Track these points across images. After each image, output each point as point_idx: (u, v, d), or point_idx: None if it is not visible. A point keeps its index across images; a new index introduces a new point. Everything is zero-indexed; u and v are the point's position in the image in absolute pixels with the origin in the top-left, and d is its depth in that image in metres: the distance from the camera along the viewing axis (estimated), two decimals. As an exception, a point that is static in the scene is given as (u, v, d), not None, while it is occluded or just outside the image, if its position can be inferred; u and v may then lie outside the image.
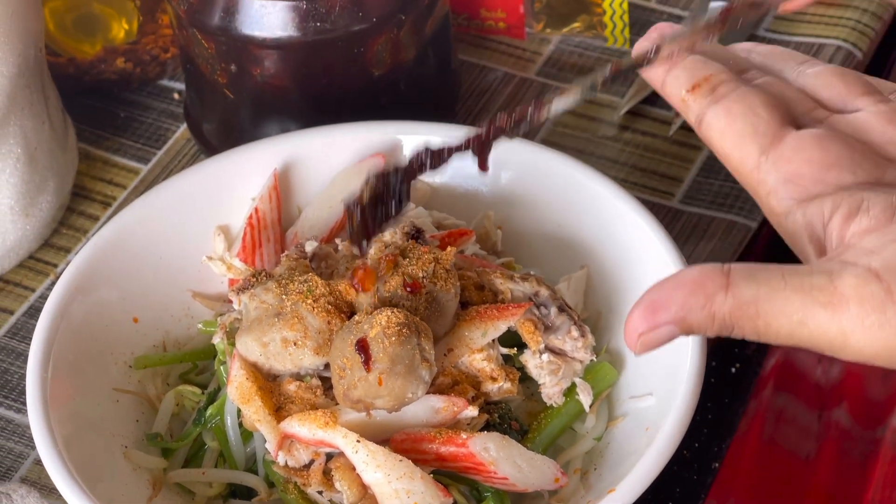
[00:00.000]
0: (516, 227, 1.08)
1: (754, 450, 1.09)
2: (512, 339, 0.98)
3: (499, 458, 0.92)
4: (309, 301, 0.95)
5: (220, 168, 1.08)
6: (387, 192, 0.87)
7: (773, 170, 0.81)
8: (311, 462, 0.94)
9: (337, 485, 0.92)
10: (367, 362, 0.90)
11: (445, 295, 0.96)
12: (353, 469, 0.92)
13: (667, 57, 0.87)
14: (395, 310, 0.92)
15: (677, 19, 1.32)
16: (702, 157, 1.21)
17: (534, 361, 0.98)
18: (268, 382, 0.95)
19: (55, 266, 1.05)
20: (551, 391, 0.98)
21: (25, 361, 1.06)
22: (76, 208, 1.20)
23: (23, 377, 1.07)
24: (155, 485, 0.97)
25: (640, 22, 1.32)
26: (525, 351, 0.98)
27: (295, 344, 0.94)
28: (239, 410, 0.96)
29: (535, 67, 1.30)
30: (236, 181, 1.08)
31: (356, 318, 0.93)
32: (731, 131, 0.83)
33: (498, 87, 1.28)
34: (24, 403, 1.05)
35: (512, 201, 1.09)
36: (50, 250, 1.17)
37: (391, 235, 1.01)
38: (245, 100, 1.14)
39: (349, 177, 1.08)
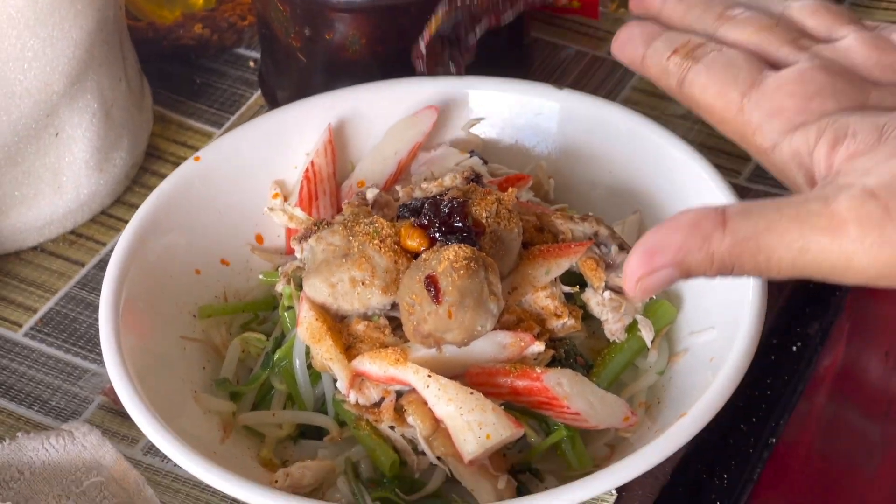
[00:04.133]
0: (567, 177, 1.10)
1: (813, 428, 1.10)
2: (573, 279, 1.00)
3: (572, 393, 0.93)
4: (376, 241, 0.96)
5: (277, 123, 1.10)
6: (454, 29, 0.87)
7: (755, 108, 0.81)
8: (382, 400, 0.95)
9: (409, 419, 0.93)
10: (436, 296, 0.91)
11: (508, 234, 0.97)
12: (425, 404, 0.93)
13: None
14: (462, 245, 0.93)
15: None
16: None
17: (596, 299, 0.99)
18: (336, 323, 0.96)
19: (126, 223, 1.06)
20: (614, 327, 0.99)
21: (94, 311, 1.09)
22: (149, 168, 1.23)
23: (90, 326, 1.10)
24: (225, 428, 0.98)
25: None
26: (587, 289, 1.00)
27: (363, 283, 0.95)
28: (307, 353, 0.97)
29: (606, 46, 1.31)
30: (292, 136, 1.09)
31: (423, 255, 0.94)
32: (711, 83, 0.83)
33: (569, 65, 1.30)
34: (91, 351, 1.08)
35: (562, 151, 1.10)
36: (122, 207, 1.19)
37: (451, 179, 1.02)
38: (317, 64, 1.16)
39: (402, 130, 1.09)
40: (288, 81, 1.19)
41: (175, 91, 1.29)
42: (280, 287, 1.01)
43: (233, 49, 1.32)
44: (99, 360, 1.08)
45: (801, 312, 1.14)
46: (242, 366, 1.02)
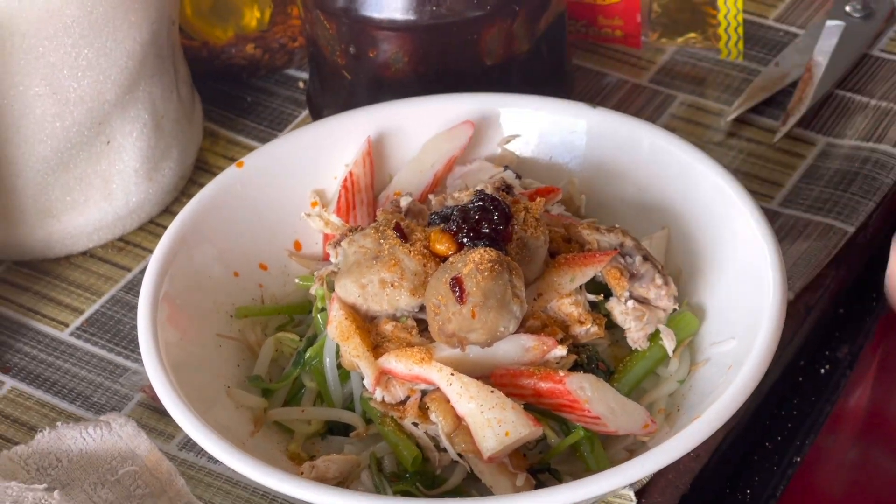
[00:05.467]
0: (598, 193, 1.13)
1: (839, 449, 1.11)
2: (598, 288, 1.02)
3: (593, 397, 0.96)
4: (406, 245, 0.99)
5: (318, 134, 1.13)
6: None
7: None
8: (407, 398, 0.98)
9: (432, 416, 0.96)
10: (461, 296, 0.94)
11: (535, 241, 1.00)
12: (448, 402, 0.96)
13: None
14: (487, 248, 0.96)
15: (792, 37, 1.37)
16: (805, 165, 1.25)
17: (619, 308, 1.02)
18: (365, 323, 0.99)
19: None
20: (636, 335, 1.01)
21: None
22: (197, 180, 1.27)
23: (133, 328, 1.14)
24: (256, 422, 1.01)
25: (754, 37, 1.37)
26: (611, 298, 1.02)
27: (392, 285, 0.98)
28: (337, 352, 1.00)
29: (648, 75, 1.35)
30: (333, 147, 1.13)
31: (450, 259, 0.97)
32: None
33: (610, 92, 1.33)
34: (133, 351, 1.12)
35: (594, 168, 1.13)
36: (169, 217, 1.23)
37: (485, 186, 1.05)
38: (361, 81, 1.20)
39: (439, 143, 1.13)
40: (333, 98, 1.23)
41: (226, 108, 1.33)
42: (314, 290, 1.04)
43: (283, 70, 1.36)
44: (140, 359, 1.11)
45: (831, 336, 1.16)
46: (275, 365, 1.05)
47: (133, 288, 1.18)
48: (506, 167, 1.12)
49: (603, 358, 1.01)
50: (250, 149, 1.29)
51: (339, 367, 1.00)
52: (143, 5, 1.14)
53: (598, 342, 1.02)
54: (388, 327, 0.99)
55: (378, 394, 0.98)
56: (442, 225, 1.00)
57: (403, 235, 1.00)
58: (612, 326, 1.03)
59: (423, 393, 0.98)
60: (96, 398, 1.10)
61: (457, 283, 0.94)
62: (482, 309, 0.94)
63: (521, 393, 0.96)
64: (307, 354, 1.02)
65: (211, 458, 1.05)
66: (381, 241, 1.00)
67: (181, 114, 1.23)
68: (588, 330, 1.00)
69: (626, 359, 1.02)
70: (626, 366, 1.01)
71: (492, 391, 0.94)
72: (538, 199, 1.03)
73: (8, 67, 1.10)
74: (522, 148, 1.15)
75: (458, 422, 0.95)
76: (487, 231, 0.98)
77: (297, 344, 1.04)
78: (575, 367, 0.99)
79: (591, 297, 1.02)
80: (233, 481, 1.03)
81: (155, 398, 1.08)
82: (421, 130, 1.14)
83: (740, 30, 1.32)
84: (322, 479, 0.96)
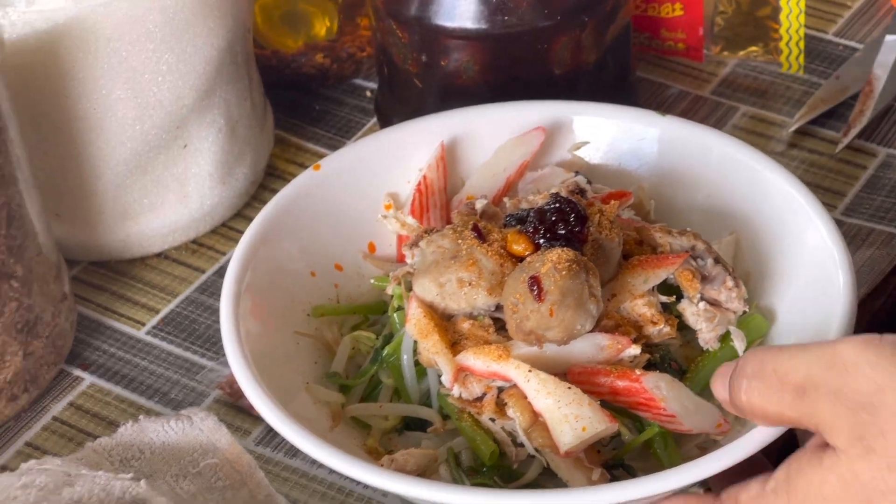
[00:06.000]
0: (667, 199, 1.15)
1: None
2: (669, 290, 1.04)
3: (669, 395, 0.97)
4: (483, 245, 1.01)
5: (392, 139, 1.16)
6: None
7: None
8: (484, 395, 1.00)
9: (510, 412, 0.98)
10: (539, 295, 0.96)
11: (609, 243, 1.02)
12: (525, 398, 0.98)
13: None
14: (564, 249, 0.98)
15: (852, 51, 1.40)
16: (867, 175, 1.27)
17: (691, 309, 1.04)
18: (443, 321, 1.01)
19: (245, 235, 1.15)
20: (707, 336, 1.03)
21: (212, 314, 1.16)
22: (268, 186, 1.29)
23: (208, 327, 1.16)
24: (334, 418, 1.03)
25: (815, 51, 1.40)
26: (682, 300, 1.04)
27: (469, 284, 1.01)
28: (414, 349, 1.02)
29: (709, 87, 1.37)
30: (406, 152, 1.15)
31: (528, 259, 0.99)
32: None
33: (672, 103, 1.36)
34: (208, 350, 1.15)
35: (663, 175, 1.15)
36: (242, 220, 1.26)
37: (559, 189, 1.07)
38: (432, 89, 1.22)
39: (511, 149, 1.15)
40: (403, 106, 1.26)
41: (295, 116, 1.36)
42: (390, 289, 1.07)
43: (351, 79, 1.39)
44: (216, 357, 1.14)
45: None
46: (352, 363, 1.07)
47: (207, 289, 1.21)
48: (577, 172, 1.14)
49: (675, 358, 1.03)
50: (319, 156, 1.32)
51: (416, 364, 1.03)
52: (221, 12, 1.17)
53: (671, 342, 1.04)
54: (465, 325, 1.01)
55: (456, 390, 1.00)
56: (518, 226, 1.02)
57: (481, 236, 1.02)
58: (683, 328, 1.04)
59: (500, 389, 1.00)
60: (174, 394, 1.12)
61: (535, 282, 0.97)
62: (560, 307, 0.96)
63: (598, 391, 0.98)
64: (385, 352, 1.04)
65: (288, 453, 1.07)
66: (460, 241, 1.02)
67: (254, 120, 1.26)
68: (661, 330, 1.02)
69: (698, 359, 1.03)
70: (697, 366, 1.03)
71: (569, 387, 0.96)
72: (612, 201, 1.05)
73: (92, 71, 1.13)
74: (592, 154, 1.17)
75: (536, 417, 0.97)
76: (563, 232, 1.00)
77: (373, 342, 1.06)
78: (648, 367, 1.01)
79: (664, 299, 1.04)
80: (309, 476, 1.06)
81: (232, 394, 1.11)
82: (493, 136, 1.16)
83: (801, 44, 1.35)
84: (401, 472, 0.98)
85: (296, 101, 1.37)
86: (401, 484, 0.92)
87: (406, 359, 1.03)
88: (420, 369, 1.03)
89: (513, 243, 1.01)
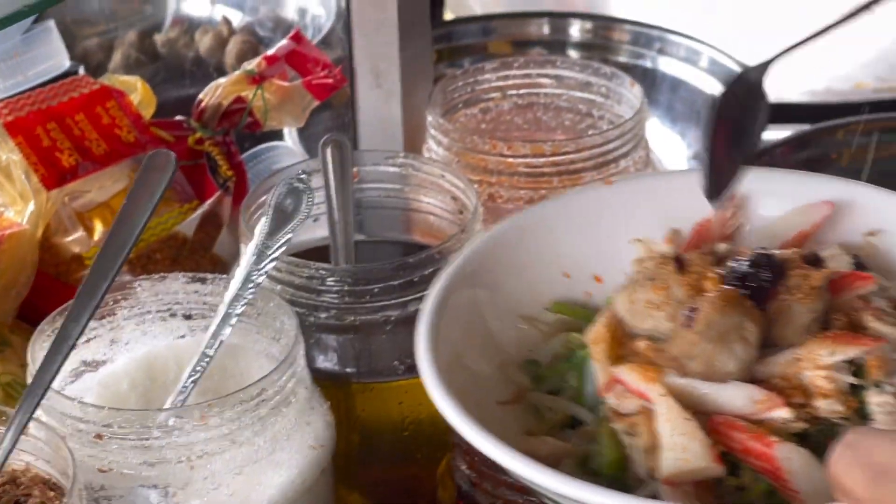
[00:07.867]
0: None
1: None
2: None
3: (799, 471, 0.96)
4: (680, 275, 1.04)
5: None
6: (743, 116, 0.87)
7: None
8: (636, 413, 1.03)
9: (638, 430, 1.01)
10: (689, 322, 0.98)
11: (799, 307, 1.02)
12: (653, 421, 1.00)
13: None
14: (734, 289, 1.00)
15: None
16: None
17: (877, 399, 1.01)
18: (621, 335, 1.05)
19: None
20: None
21: None
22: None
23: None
24: (515, 397, 1.09)
25: None
26: (871, 388, 1.01)
27: (656, 307, 1.04)
28: (607, 361, 1.06)
29: None
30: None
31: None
32: None
33: None
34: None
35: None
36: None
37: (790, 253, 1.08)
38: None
39: (792, 216, 1.15)
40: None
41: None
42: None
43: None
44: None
45: None
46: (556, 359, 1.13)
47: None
48: (855, 256, 1.12)
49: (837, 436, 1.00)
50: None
51: (600, 372, 1.07)
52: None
53: (841, 423, 1.01)
54: (641, 345, 1.04)
55: (612, 400, 1.03)
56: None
57: (681, 265, 1.05)
58: (865, 416, 1.01)
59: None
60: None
61: (691, 310, 0.99)
62: (703, 338, 0.98)
63: (731, 445, 0.98)
64: (578, 354, 1.09)
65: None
66: (661, 266, 1.06)
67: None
68: (830, 406, 1.00)
69: (859, 446, 1.00)
70: (853, 452, 0.99)
71: (687, 419, 0.97)
72: (823, 271, 1.04)
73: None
74: (886, 242, 1.14)
75: (656, 442, 0.99)
76: (752, 282, 1.01)
77: (578, 345, 1.12)
78: (803, 437, 0.99)
79: (852, 380, 1.01)
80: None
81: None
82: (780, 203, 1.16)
83: None
84: (531, 454, 1.03)
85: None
86: (519, 463, 0.96)
87: (590, 363, 1.07)
88: (600, 376, 1.07)
89: (705, 279, 1.03)
